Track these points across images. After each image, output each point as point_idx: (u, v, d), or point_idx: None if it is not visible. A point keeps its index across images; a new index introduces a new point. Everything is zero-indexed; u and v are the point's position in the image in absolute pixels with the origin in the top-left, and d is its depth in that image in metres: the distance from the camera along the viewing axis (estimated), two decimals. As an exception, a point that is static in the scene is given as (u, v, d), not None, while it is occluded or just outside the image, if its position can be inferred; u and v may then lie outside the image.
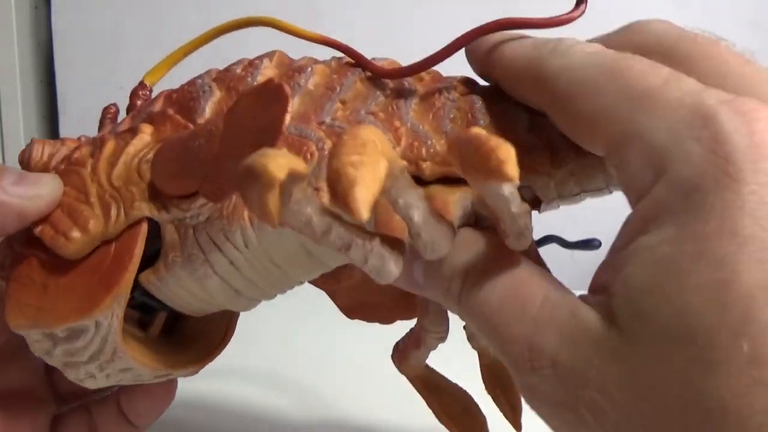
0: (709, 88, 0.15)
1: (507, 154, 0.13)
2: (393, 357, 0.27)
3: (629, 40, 0.19)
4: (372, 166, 0.13)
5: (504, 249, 0.17)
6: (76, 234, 0.20)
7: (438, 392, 0.27)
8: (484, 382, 0.28)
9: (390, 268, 0.17)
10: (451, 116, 0.21)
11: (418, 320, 0.25)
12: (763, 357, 0.12)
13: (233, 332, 0.26)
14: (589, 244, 0.25)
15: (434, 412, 0.27)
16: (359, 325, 0.28)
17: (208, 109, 0.22)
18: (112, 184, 0.21)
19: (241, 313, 0.27)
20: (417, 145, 0.20)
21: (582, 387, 0.14)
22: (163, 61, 0.26)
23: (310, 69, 0.22)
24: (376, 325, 0.28)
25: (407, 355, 0.26)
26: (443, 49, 0.22)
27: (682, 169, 0.14)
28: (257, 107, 0.17)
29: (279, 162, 0.13)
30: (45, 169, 0.22)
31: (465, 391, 0.28)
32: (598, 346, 0.14)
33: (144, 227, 0.21)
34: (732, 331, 0.12)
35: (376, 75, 0.23)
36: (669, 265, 0.13)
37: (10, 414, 0.23)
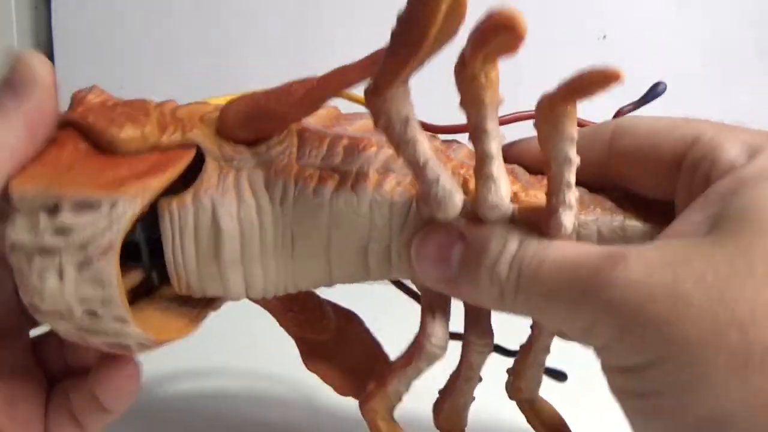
0: None
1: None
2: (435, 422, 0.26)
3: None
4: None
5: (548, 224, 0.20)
6: (129, 128, 0.21)
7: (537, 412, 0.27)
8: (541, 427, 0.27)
9: (455, 201, 0.20)
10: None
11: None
12: None
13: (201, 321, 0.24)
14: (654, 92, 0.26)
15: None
16: (384, 320, 0.28)
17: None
18: (174, 114, 0.22)
19: (241, 316, 0.27)
20: (465, 169, 0.22)
21: (684, 267, 0.17)
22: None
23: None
24: (382, 331, 0.28)
25: (444, 404, 0.25)
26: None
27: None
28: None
29: None
30: (107, 115, 0.22)
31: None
32: (695, 245, 0.17)
33: (192, 153, 0.22)
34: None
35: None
36: None
37: (5, 396, 0.23)
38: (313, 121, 0.24)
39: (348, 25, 0.59)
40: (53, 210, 0.19)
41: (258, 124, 0.21)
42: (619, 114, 0.26)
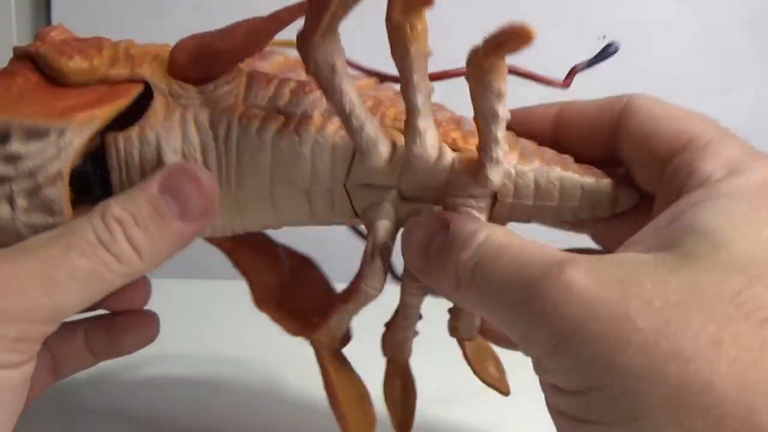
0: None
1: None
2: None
3: None
4: None
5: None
6: (78, 59, 0.21)
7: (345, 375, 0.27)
8: (469, 362, 0.28)
9: (380, 150, 0.21)
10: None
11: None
12: (754, 359, 0.15)
13: None
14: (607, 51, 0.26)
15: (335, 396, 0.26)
16: (363, 324, 0.28)
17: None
18: (128, 52, 0.22)
19: (244, 311, 0.27)
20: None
21: (634, 287, 0.16)
22: None
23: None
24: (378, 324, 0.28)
25: (388, 336, 0.26)
26: (439, 73, 0.26)
27: (758, 173, 0.19)
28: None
29: None
30: (59, 47, 0.22)
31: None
32: (649, 264, 0.17)
33: (140, 87, 0.22)
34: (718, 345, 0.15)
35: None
36: (748, 221, 0.17)
37: None
38: (268, 67, 0.24)
39: (348, 25, 0.59)
40: (2, 139, 0.20)
41: (204, 62, 0.22)
42: (572, 71, 0.26)
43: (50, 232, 0.20)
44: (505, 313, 0.18)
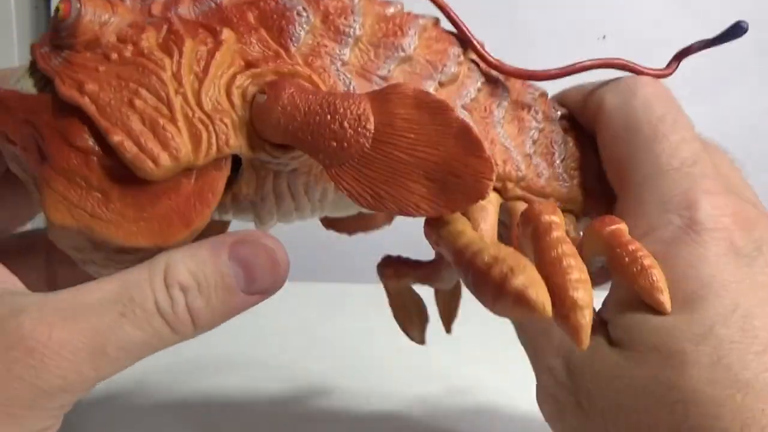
0: (706, 181, 0.20)
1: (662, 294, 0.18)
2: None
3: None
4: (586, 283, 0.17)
5: None
6: (165, 160, 0.18)
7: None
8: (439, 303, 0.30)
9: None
10: (534, 138, 0.23)
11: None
12: (721, 361, 0.16)
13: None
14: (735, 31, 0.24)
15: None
16: (375, 320, 0.28)
17: (305, 39, 0.20)
18: (201, 106, 0.19)
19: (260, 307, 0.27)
20: (509, 167, 0.22)
21: (583, 380, 0.18)
22: None
23: (413, 33, 0.22)
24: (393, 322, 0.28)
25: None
26: (564, 69, 0.25)
27: (666, 233, 0.19)
28: (439, 137, 0.17)
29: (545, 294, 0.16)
30: (96, 40, 0.19)
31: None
32: (586, 355, 0.18)
33: (229, 164, 0.19)
34: (693, 343, 0.17)
35: (486, 63, 0.24)
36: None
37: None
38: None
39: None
40: (99, 244, 0.19)
41: (302, 144, 0.19)
42: (688, 51, 0.25)
43: (110, 286, 0.18)
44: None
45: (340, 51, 0.21)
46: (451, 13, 0.23)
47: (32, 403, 0.17)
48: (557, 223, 0.18)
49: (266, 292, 0.19)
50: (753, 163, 0.65)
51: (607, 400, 0.17)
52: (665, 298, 0.17)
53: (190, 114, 0.18)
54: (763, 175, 0.62)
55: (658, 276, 0.18)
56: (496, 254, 0.17)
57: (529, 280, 0.16)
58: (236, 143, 0.19)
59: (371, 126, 0.18)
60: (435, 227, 0.19)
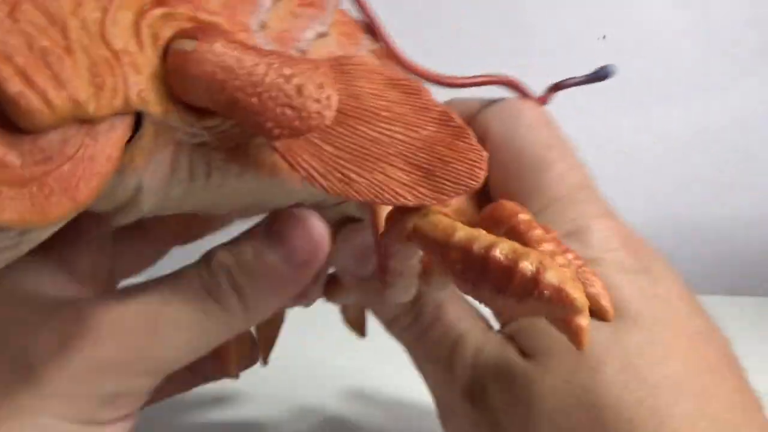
0: (593, 206, 0.21)
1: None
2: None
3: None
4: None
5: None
6: (61, 101, 0.13)
7: None
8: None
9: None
10: None
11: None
12: (631, 365, 0.17)
13: None
14: (603, 73, 0.24)
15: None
16: (371, 342, 0.28)
17: (271, 15, 0.17)
18: (106, 40, 0.14)
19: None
20: None
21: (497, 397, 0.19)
22: None
23: (331, 8, 0.20)
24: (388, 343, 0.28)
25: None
26: (470, 80, 0.24)
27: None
28: (419, 119, 0.15)
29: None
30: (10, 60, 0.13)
31: None
32: (501, 359, 0.19)
33: (130, 125, 0.15)
34: (604, 344, 0.18)
35: (395, 59, 0.22)
36: None
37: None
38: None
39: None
40: None
41: (239, 109, 0.15)
42: (558, 87, 0.24)
43: (153, 279, 0.18)
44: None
45: (259, 10, 0.17)
46: (366, 4, 0.21)
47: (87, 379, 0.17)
48: (533, 220, 0.17)
49: (309, 263, 0.19)
50: (753, 163, 0.65)
51: (527, 409, 0.18)
52: (609, 305, 0.18)
53: (92, 47, 0.14)
54: (763, 175, 0.62)
55: (600, 284, 0.18)
56: (513, 247, 0.15)
57: (560, 275, 0.14)
58: (147, 97, 0.14)
59: (335, 96, 0.15)
60: (409, 219, 0.16)
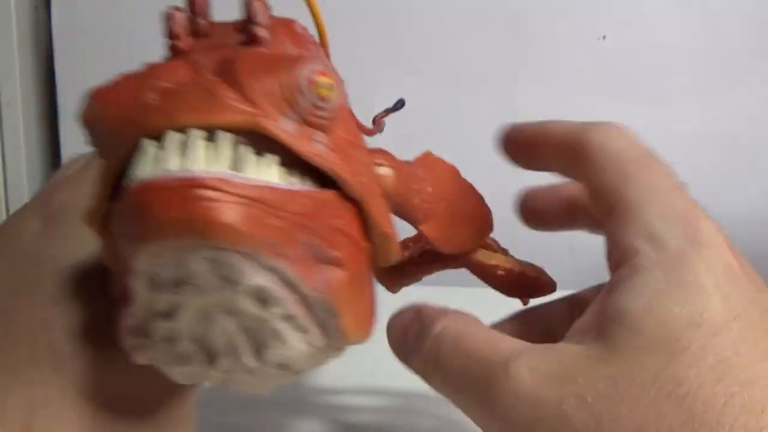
0: (697, 206, 0.21)
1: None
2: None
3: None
4: None
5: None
6: (395, 246, 0.20)
7: None
8: None
9: None
10: None
11: None
12: (728, 360, 0.17)
13: None
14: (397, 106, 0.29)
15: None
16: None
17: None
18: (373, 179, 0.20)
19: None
20: None
21: (570, 385, 0.18)
22: None
23: None
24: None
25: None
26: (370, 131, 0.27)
27: (673, 243, 0.19)
28: (475, 199, 0.26)
29: None
30: (337, 118, 0.17)
31: None
32: (581, 358, 0.18)
33: None
34: (701, 340, 0.18)
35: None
36: (660, 299, 0.18)
37: None
38: None
39: (349, 25, 0.59)
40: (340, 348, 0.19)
41: (402, 206, 0.22)
42: (374, 121, 0.28)
43: None
44: (466, 409, 0.20)
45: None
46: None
47: None
48: (491, 244, 0.29)
49: None
50: (753, 163, 0.65)
51: (606, 401, 0.17)
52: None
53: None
54: (763, 176, 0.62)
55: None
56: (516, 262, 0.27)
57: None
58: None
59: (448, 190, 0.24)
60: (466, 255, 0.26)
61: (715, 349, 0.18)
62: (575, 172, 0.23)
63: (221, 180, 0.14)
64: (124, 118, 0.15)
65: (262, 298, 0.15)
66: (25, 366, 0.19)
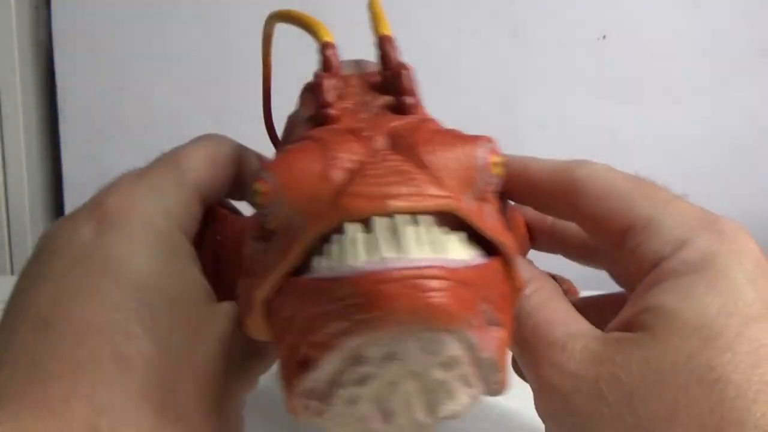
0: (702, 208, 0.22)
1: None
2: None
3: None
4: None
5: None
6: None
7: None
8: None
9: None
10: None
11: None
12: (762, 348, 0.18)
13: None
14: None
15: None
16: None
17: None
18: None
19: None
20: None
21: (607, 366, 0.19)
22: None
23: None
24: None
25: None
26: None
27: (700, 243, 0.20)
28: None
29: None
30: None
31: None
32: (620, 342, 0.19)
33: None
34: (736, 327, 0.18)
35: None
36: (693, 291, 0.19)
37: None
38: None
39: (349, 25, 0.59)
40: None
41: None
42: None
43: None
44: (521, 359, 0.21)
45: None
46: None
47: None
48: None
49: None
50: (753, 164, 0.65)
51: (638, 381, 0.18)
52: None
53: None
54: (763, 176, 0.62)
55: None
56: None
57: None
58: None
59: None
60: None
61: (750, 336, 0.18)
62: (565, 210, 0.24)
63: (441, 268, 0.15)
64: (319, 200, 0.16)
65: (449, 363, 0.16)
66: (88, 368, 0.19)
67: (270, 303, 0.18)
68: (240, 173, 0.25)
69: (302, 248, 0.16)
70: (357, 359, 0.16)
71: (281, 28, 0.24)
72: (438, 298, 0.15)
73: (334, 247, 0.16)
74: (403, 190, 0.16)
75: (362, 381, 0.16)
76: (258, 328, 0.19)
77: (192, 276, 0.23)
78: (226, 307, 0.22)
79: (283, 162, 0.17)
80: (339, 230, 0.16)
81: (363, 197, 0.16)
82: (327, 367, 0.16)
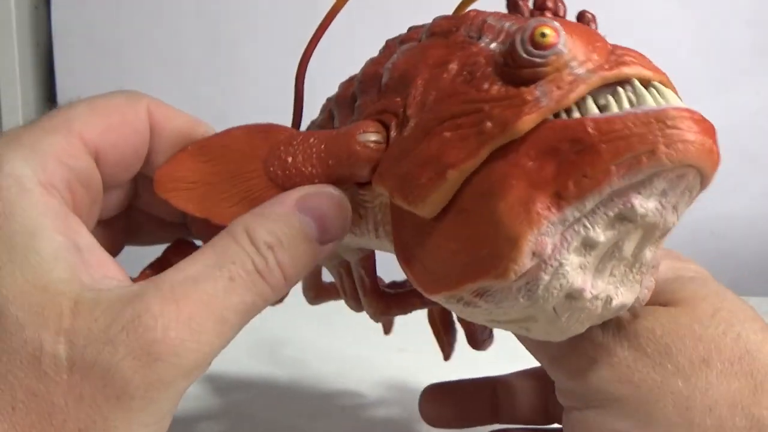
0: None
1: None
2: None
3: None
4: None
5: None
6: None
7: None
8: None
9: None
10: None
11: None
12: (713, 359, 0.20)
13: None
14: None
15: None
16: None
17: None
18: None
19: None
20: None
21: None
22: None
23: None
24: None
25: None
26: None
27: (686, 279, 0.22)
28: None
29: None
30: None
31: None
32: (652, 308, 0.21)
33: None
34: (699, 354, 0.20)
35: None
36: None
37: None
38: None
39: (349, 24, 0.59)
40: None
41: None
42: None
43: (205, 256, 0.18)
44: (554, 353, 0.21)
45: None
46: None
47: (171, 384, 0.17)
48: None
49: (336, 239, 0.20)
50: (753, 163, 0.65)
51: (670, 334, 0.20)
52: None
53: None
54: (763, 175, 0.62)
55: None
56: None
57: None
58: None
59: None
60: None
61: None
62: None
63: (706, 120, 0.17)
64: (599, 57, 0.19)
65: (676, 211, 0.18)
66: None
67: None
68: (155, 134, 0.23)
69: (588, 89, 0.17)
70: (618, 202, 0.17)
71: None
72: (715, 145, 0.17)
73: (611, 98, 0.17)
74: (646, 64, 0.18)
75: (612, 224, 0.17)
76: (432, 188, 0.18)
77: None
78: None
79: (561, 24, 0.19)
80: (611, 86, 0.18)
81: (636, 63, 0.18)
82: (589, 202, 0.17)
